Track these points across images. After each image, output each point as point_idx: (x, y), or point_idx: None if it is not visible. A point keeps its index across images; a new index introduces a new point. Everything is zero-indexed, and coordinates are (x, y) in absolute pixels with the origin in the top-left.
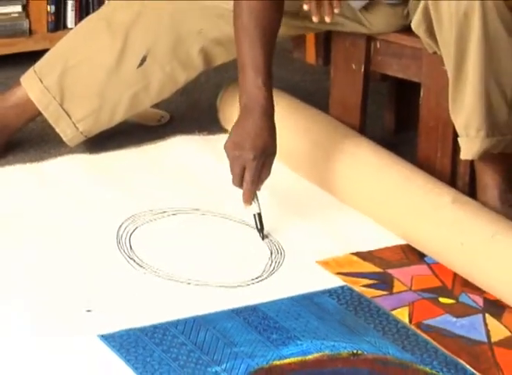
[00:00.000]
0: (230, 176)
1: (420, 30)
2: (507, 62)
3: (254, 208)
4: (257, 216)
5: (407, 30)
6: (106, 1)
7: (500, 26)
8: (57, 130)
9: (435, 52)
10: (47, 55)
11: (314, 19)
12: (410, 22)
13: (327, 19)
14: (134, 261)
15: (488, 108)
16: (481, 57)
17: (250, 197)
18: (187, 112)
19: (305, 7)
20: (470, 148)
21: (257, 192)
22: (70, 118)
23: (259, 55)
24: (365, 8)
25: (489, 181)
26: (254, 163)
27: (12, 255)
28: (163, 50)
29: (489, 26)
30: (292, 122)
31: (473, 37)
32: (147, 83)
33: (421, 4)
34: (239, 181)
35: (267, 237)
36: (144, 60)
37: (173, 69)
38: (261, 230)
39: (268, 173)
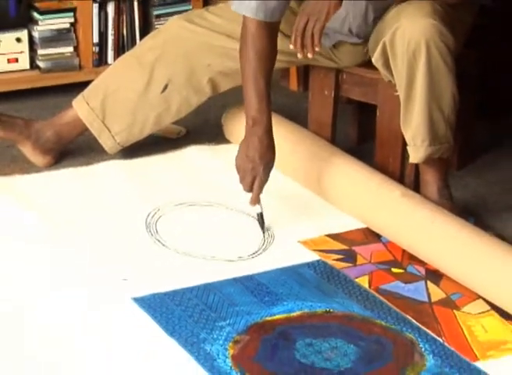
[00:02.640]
0: (234, 177)
1: (379, 63)
2: (446, 89)
3: (257, 208)
4: (259, 215)
5: (366, 64)
6: (137, 43)
7: (441, 62)
8: (100, 141)
9: (389, 81)
10: (92, 84)
11: (299, 55)
12: (369, 58)
13: (309, 56)
14: (159, 241)
15: (430, 124)
16: (426, 85)
17: (257, 199)
18: (200, 127)
19: (291, 46)
20: (416, 154)
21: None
22: (110, 132)
23: (261, 84)
24: (334, 46)
25: (430, 179)
26: (263, 173)
27: (67, 237)
28: (180, 80)
29: (432, 62)
30: (280, 135)
31: (420, 70)
32: (168, 106)
33: (381, 44)
34: (250, 188)
35: (268, 230)
36: (165, 88)
37: (188, 95)
38: (262, 225)
39: (268, 179)
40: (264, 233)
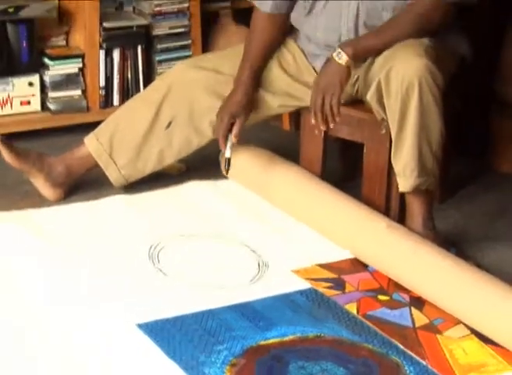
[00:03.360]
0: (231, 211)
1: (373, 100)
2: (435, 125)
3: (227, 153)
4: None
5: (353, 104)
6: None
7: (432, 99)
8: (106, 173)
9: (382, 119)
10: (103, 123)
11: (322, 128)
12: (358, 97)
13: (331, 126)
14: (161, 271)
15: (419, 157)
16: (418, 121)
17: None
18: (199, 164)
19: (313, 121)
20: (406, 183)
21: (233, 143)
22: (116, 165)
23: (256, 53)
24: None
25: (416, 211)
26: (240, 124)
27: (75, 266)
28: (183, 119)
29: (424, 99)
30: (274, 171)
31: (412, 106)
32: (170, 142)
33: (376, 81)
34: (225, 137)
35: (263, 260)
36: (169, 125)
37: (190, 134)
38: (227, 167)
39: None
40: (226, 173)
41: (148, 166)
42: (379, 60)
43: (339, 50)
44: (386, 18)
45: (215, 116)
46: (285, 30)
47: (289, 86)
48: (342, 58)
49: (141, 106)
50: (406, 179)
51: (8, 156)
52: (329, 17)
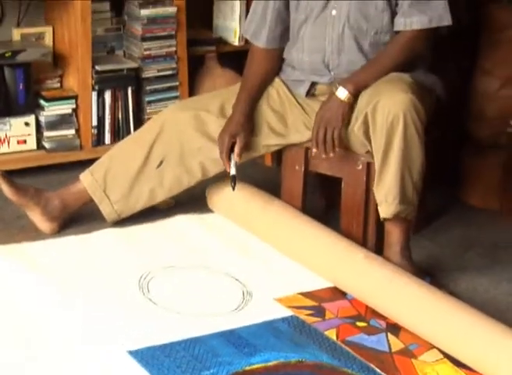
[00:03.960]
0: (217, 243)
1: (360, 132)
2: (417, 156)
3: (232, 171)
4: (232, 177)
5: None
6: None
7: (415, 132)
8: (100, 208)
9: (367, 151)
10: (98, 161)
11: (324, 156)
12: None
13: (331, 155)
14: (151, 300)
15: (401, 186)
16: (401, 152)
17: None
18: (186, 199)
19: (314, 150)
20: (388, 210)
21: (236, 161)
22: (109, 200)
23: (253, 84)
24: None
25: (394, 239)
26: (241, 144)
27: (68, 296)
28: (174, 159)
29: (408, 132)
30: (257, 205)
31: (396, 138)
32: (161, 181)
33: (363, 114)
34: (228, 157)
35: (247, 289)
36: (160, 163)
37: (180, 174)
38: (234, 184)
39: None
40: (233, 189)
41: (140, 203)
42: (364, 96)
43: (341, 87)
44: (370, 39)
45: (218, 137)
46: (279, 62)
47: (274, 122)
48: (344, 94)
49: (134, 145)
50: (388, 205)
51: (7, 190)
52: (315, 38)
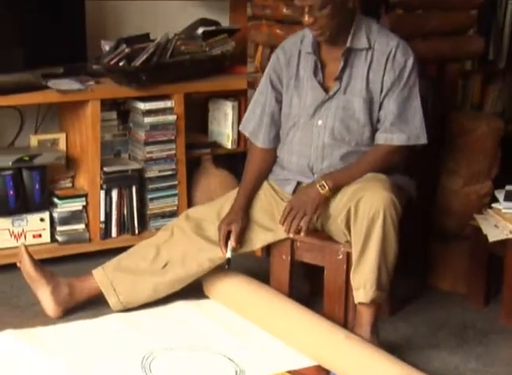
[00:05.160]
0: (213, 326)
1: (342, 224)
2: (392, 249)
3: (228, 254)
4: (228, 260)
5: (314, 234)
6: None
7: (392, 227)
8: (106, 297)
9: (347, 241)
10: (112, 260)
11: (288, 235)
12: (317, 225)
13: (302, 234)
14: None
15: (378, 274)
16: (379, 244)
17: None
18: (185, 287)
19: (279, 225)
20: (366, 296)
21: (233, 246)
22: (115, 290)
23: (248, 189)
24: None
25: (366, 320)
26: (236, 231)
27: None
28: (177, 261)
29: (385, 226)
30: (249, 292)
31: (375, 231)
32: (164, 279)
33: (346, 208)
34: (225, 243)
35: (240, 368)
36: (165, 265)
37: (181, 274)
38: (228, 264)
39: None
40: (228, 268)
41: (144, 296)
42: (348, 192)
43: (323, 182)
44: (350, 148)
45: (217, 227)
46: (274, 161)
47: (264, 220)
48: (324, 189)
49: (145, 248)
50: (366, 292)
51: (27, 261)
52: (302, 144)
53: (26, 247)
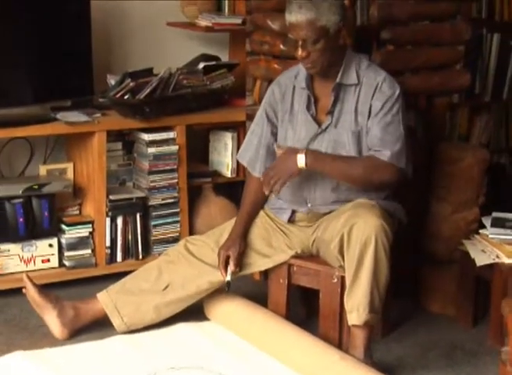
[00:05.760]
0: (212, 346)
1: (335, 250)
2: (384, 273)
3: (228, 277)
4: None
5: (310, 259)
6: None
7: (383, 252)
8: (111, 320)
9: (340, 265)
10: (115, 283)
11: (265, 191)
12: (313, 251)
13: (267, 193)
14: None
15: (371, 298)
16: (371, 268)
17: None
18: (187, 309)
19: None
20: (359, 319)
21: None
22: (119, 313)
23: (245, 217)
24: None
25: (359, 342)
26: (234, 256)
27: None
28: (178, 284)
29: (378, 251)
30: (248, 314)
31: (368, 256)
32: (165, 301)
33: (339, 234)
34: (224, 267)
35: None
36: (167, 287)
37: (181, 296)
38: (228, 287)
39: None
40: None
41: (146, 319)
42: (342, 219)
43: (303, 155)
44: (338, 182)
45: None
46: None
47: (261, 247)
48: (301, 162)
49: (147, 271)
50: (359, 315)
51: (31, 290)
52: (296, 186)
53: (28, 275)
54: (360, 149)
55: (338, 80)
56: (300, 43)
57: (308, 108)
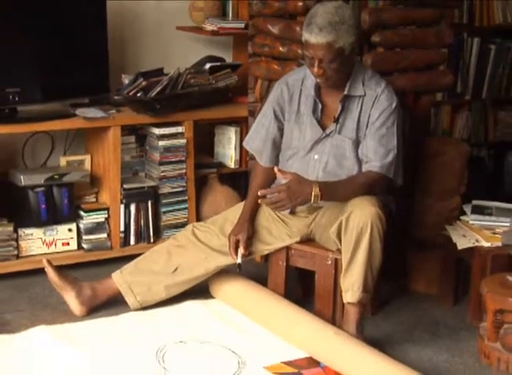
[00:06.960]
0: (217, 322)
1: (333, 234)
2: (377, 256)
3: (239, 260)
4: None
5: (307, 242)
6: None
7: (378, 238)
8: (125, 298)
9: (338, 249)
10: (128, 264)
11: (270, 206)
12: (311, 235)
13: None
14: (165, 368)
15: (365, 278)
16: (367, 251)
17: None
18: (194, 288)
19: (260, 201)
20: (353, 296)
21: (242, 253)
22: (132, 292)
23: (253, 202)
24: (287, 224)
25: (352, 318)
26: (244, 240)
27: (97, 365)
28: (186, 267)
29: (373, 237)
30: (250, 293)
31: (364, 241)
32: (175, 282)
33: (338, 220)
34: (235, 250)
35: (242, 359)
36: (176, 269)
37: (189, 277)
38: (239, 268)
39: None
40: (239, 271)
41: (158, 297)
42: (340, 208)
43: (317, 191)
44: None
45: (228, 237)
46: (274, 177)
47: (263, 236)
48: (313, 198)
49: (158, 254)
50: (353, 293)
51: (51, 273)
52: (299, 172)
53: (48, 260)
54: (359, 158)
55: (346, 91)
56: (316, 62)
57: (314, 112)
